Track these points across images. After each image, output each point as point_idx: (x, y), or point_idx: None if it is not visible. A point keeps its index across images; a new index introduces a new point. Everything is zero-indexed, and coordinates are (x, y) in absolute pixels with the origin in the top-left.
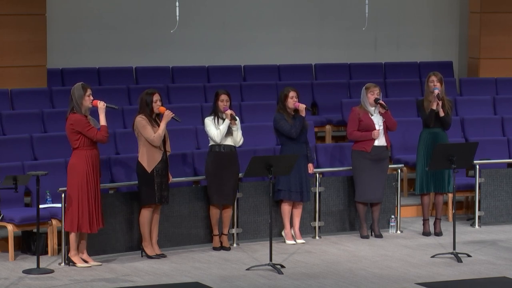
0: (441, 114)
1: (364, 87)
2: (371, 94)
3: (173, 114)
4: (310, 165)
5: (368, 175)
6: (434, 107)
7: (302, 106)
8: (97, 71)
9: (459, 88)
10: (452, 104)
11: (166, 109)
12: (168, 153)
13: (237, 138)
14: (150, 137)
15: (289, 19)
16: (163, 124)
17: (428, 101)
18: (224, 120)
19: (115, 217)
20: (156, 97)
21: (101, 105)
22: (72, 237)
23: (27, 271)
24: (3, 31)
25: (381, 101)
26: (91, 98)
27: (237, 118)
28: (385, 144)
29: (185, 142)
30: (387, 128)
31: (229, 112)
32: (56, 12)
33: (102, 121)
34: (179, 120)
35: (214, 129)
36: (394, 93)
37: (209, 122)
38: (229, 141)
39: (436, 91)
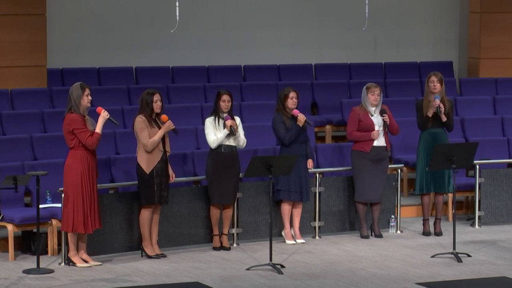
0: (444, 119)
1: (364, 87)
2: (372, 94)
3: (174, 127)
4: (309, 161)
5: (368, 175)
6: (430, 115)
7: (302, 117)
8: (97, 71)
9: (459, 88)
10: (452, 105)
11: (168, 119)
12: (168, 154)
13: (240, 142)
14: (144, 141)
15: (289, 19)
16: (160, 133)
17: (427, 101)
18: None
19: (114, 217)
20: (156, 97)
21: (104, 114)
22: (70, 237)
23: (27, 271)
24: (3, 31)
25: (385, 119)
26: (90, 97)
27: (238, 123)
28: (384, 144)
29: (185, 142)
30: (389, 132)
31: (229, 123)
32: (56, 12)
33: (98, 128)
34: (177, 134)
35: (212, 135)
36: (394, 93)
37: (209, 124)
38: (230, 142)
39: (437, 101)
